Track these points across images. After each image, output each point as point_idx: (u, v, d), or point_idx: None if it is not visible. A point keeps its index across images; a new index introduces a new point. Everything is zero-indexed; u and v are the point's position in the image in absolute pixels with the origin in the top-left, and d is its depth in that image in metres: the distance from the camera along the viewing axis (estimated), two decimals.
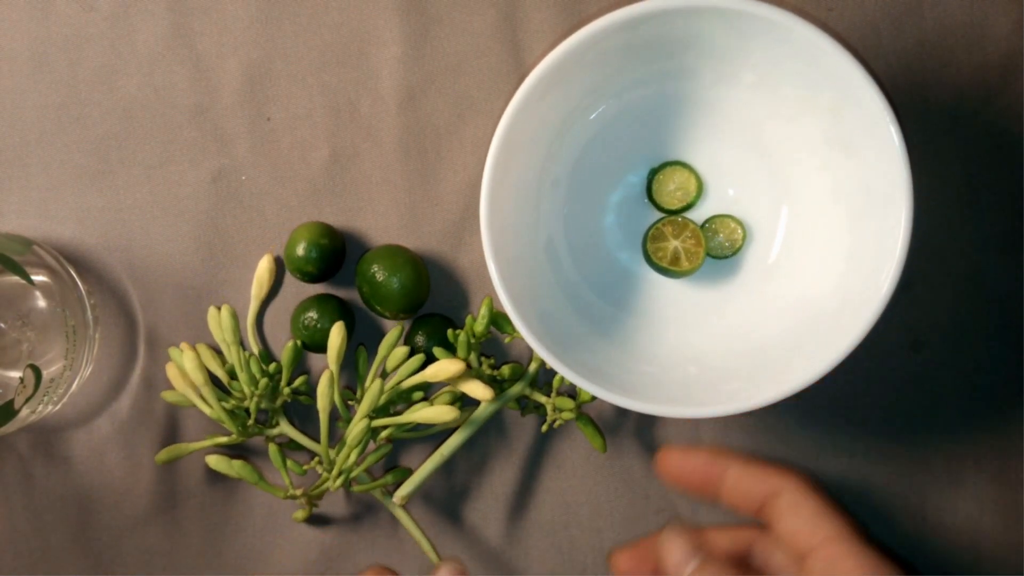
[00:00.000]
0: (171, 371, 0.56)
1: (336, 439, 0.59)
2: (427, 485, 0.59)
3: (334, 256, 0.57)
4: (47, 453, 0.59)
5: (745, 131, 0.55)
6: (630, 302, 0.57)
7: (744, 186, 0.56)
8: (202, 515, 0.59)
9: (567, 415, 0.56)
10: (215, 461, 0.56)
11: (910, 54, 0.58)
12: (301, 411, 0.59)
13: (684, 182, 0.56)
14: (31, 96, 0.58)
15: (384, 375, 0.57)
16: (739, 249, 0.56)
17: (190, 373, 0.56)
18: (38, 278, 0.55)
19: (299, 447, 0.58)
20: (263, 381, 0.56)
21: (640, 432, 0.59)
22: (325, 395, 0.55)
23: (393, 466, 0.59)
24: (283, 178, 0.58)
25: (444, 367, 0.54)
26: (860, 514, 0.60)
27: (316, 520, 0.60)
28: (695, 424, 0.59)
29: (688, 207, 0.56)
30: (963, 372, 0.59)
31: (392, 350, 0.56)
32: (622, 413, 0.59)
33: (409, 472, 0.57)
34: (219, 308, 0.58)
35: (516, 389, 0.56)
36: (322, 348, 0.57)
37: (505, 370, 0.56)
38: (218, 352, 0.58)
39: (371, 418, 0.55)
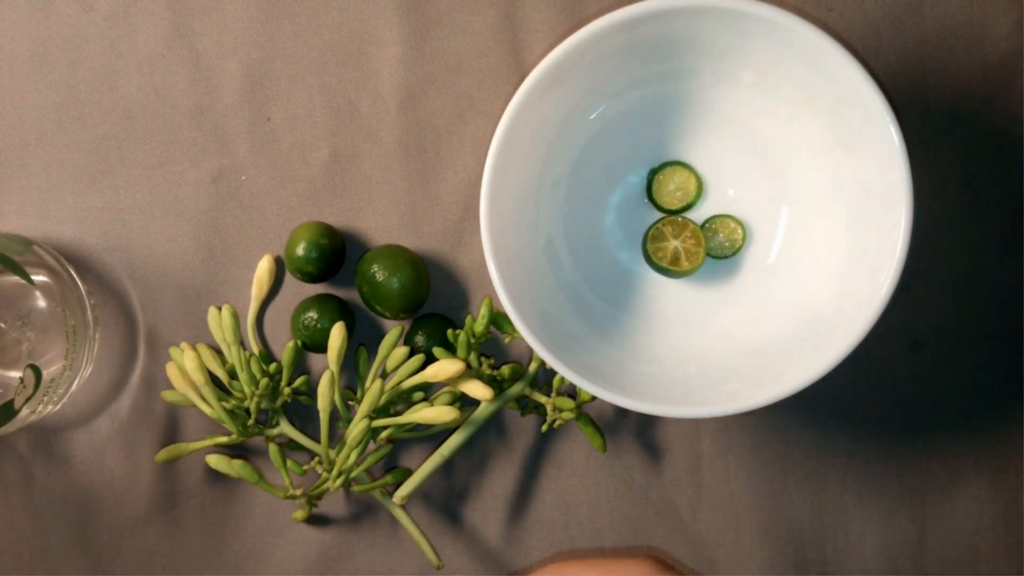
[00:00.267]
0: (171, 371, 0.56)
1: (336, 439, 0.59)
2: (427, 485, 0.59)
3: (334, 256, 0.57)
4: (47, 453, 0.59)
5: (745, 131, 0.55)
6: (630, 302, 0.57)
7: (744, 186, 0.56)
8: (202, 515, 0.59)
9: (567, 415, 0.56)
10: (215, 461, 0.56)
11: (910, 54, 0.58)
12: (301, 411, 0.59)
13: (684, 182, 0.56)
14: (31, 96, 0.58)
15: (384, 375, 0.57)
16: (739, 249, 0.56)
17: (191, 373, 0.56)
18: (38, 278, 0.55)
19: (299, 447, 0.58)
20: (263, 381, 0.56)
21: (640, 432, 0.59)
22: (325, 395, 0.55)
23: (393, 466, 0.59)
24: (283, 178, 0.58)
25: (444, 367, 0.54)
26: (860, 514, 0.60)
27: (316, 520, 0.60)
28: (695, 424, 0.59)
29: (688, 207, 0.56)
30: (963, 372, 0.59)
31: (392, 350, 0.56)
32: (622, 413, 0.59)
33: (409, 472, 0.57)
34: (219, 308, 0.58)
35: (516, 389, 0.56)
36: (322, 348, 0.57)
37: (505, 370, 0.56)
38: (218, 352, 0.58)
39: (371, 418, 0.55)
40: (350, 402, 0.57)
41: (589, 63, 0.51)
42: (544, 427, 0.56)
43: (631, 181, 0.57)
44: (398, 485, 0.56)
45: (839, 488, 0.60)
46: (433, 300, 0.59)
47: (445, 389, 0.56)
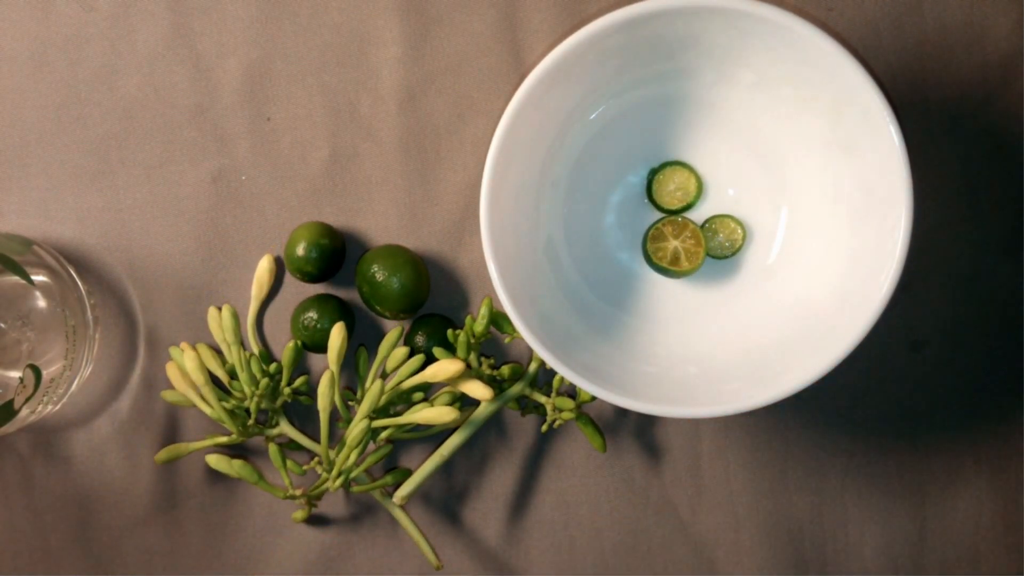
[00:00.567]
0: (171, 371, 0.56)
1: (336, 439, 0.59)
2: (427, 485, 0.59)
3: (334, 256, 0.57)
4: (47, 453, 0.59)
5: (745, 131, 0.55)
6: (630, 302, 0.57)
7: (744, 186, 0.56)
8: (202, 515, 0.59)
9: (567, 415, 0.56)
10: (215, 461, 0.56)
11: (910, 54, 0.58)
12: (301, 411, 0.59)
13: (684, 182, 0.56)
14: (31, 96, 0.58)
15: (384, 375, 0.57)
16: (739, 249, 0.56)
17: (191, 373, 0.56)
18: (38, 278, 0.55)
19: (299, 447, 0.58)
20: (264, 381, 0.56)
21: (640, 432, 0.59)
22: (325, 395, 0.55)
23: (393, 467, 0.59)
24: (283, 178, 0.58)
25: (444, 367, 0.54)
26: (860, 514, 0.60)
27: (316, 520, 0.60)
28: (695, 424, 0.59)
29: (688, 207, 0.56)
30: (963, 372, 0.59)
31: (392, 350, 0.56)
32: (622, 413, 0.59)
33: (409, 473, 0.57)
34: (219, 308, 0.58)
35: (516, 389, 0.56)
36: (322, 348, 0.57)
37: (505, 370, 0.56)
38: (218, 352, 0.58)
39: (371, 419, 0.55)
40: (350, 402, 0.57)
41: (589, 63, 0.51)
42: (544, 427, 0.56)
43: (631, 181, 0.57)
44: (398, 485, 0.56)
45: (839, 488, 0.60)
46: (433, 300, 0.59)
47: (445, 389, 0.56)
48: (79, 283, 0.57)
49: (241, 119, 0.58)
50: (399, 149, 0.58)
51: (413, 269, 0.56)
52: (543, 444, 0.59)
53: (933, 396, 0.59)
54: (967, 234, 0.59)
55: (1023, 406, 0.59)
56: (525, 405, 0.58)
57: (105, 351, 0.59)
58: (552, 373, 0.58)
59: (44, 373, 0.54)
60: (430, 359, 0.56)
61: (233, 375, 0.57)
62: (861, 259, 0.51)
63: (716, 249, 0.56)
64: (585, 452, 0.59)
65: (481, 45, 0.58)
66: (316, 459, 0.56)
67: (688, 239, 0.55)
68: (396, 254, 0.57)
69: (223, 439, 0.57)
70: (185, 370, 0.56)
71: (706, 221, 0.56)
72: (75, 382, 0.57)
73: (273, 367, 0.57)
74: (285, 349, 0.57)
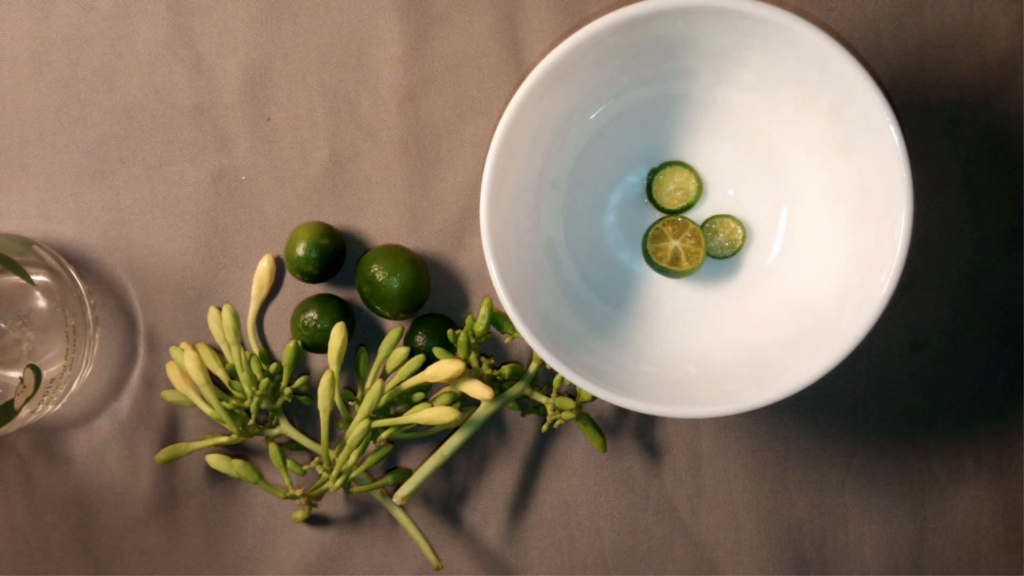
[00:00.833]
0: (171, 371, 0.56)
1: (336, 440, 0.59)
2: (427, 485, 0.59)
3: (334, 256, 0.57)
4: (47, 453, 0.59)
5: (745, 131, 0.55)
6: (630, 302, 0.57)
7: (744, 186, 0.56)
8: (202, 515, 0.59)
9: (567, 415, 0.56)
10: (215, 461, 0.56)
11: (910, 54, 0.58)
12: (301, 411, 0.59)
13: (684, 182, 0.56)
14: (31, 96, 0.58)
15: (384, 376, 0.57)
16: (739, 249, 0.56)
17: (191, 373, 0.56)
18: (38, 278, 0.55)
19: (299, 447, 0.58)
20: (264, 381, 0.56)
21: (640, 432, 0.59)
22: (326, 395, 0.55)
23: (393, 467, 0.59)
24: (283, 178, 0.58)
25: (444, 367, 0.54)
26: (860, 514, 0.60)
27: (316, 520, 0.60)
28: (695, 424, 0.59)
29: (688, 207, 0.56)
30: (963, 372, 0.59)
31: (392, 351, 0.56)
32: (622, 413, 0.59)
33: (409, 473, 0.57)
34: (219, 308, 0.58)
35: (516, 389, 0.56)
36: (322, 348, 0.57)
37: (505, 370, 0.56)
38: (218, 352, 0.58)
39: (371, 419, 0.55)
40: (350, 402, 0.57)
41: (589, 63, 0.51)
42: (544, 427, 0.56)
43: (631, 181, 0.57)
44: (398, 485, 0.56)
45: (839, 488, 0.60)
46: (433, 300, 0.59)
47: (445, 389, 0.56)
48: (79, 283, 0.57)
49: (241, 119, 0.58)
50: (399, 149, 0.58)
51: (413, 269, 0.56)
52: (543, 444, 0.59)
53: (933, 396, 0.59)
54: (967, 234, 0.59)
55: (1023, 406, 0.59)
56: (525, 405, 0.58)
57: (105, 351, 0.59)
58: (552, 373, 0.58)
59: (44, 373, 0.54)
60: (430, 359, 0.56)
61: (233, 375, 0.57)
62: (861, 259, 0.51)
63: (716, 249, 0.56)
64: (585, 452, 0.59)
65: (481, 45, 0.58)
66: (316, 459, 0.56)
67: (688, 239, 0.55)
68: (396, 254, 0.57)
69: (223, 439, 0.57)
70: (185, 370, 0.56)
71: (706, 221, 0.56)
72: (75, 382, 0.57)
73: (273, 367, 0.57)
74: (285, 349, 0.57)
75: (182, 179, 0.58)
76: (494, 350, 0.59)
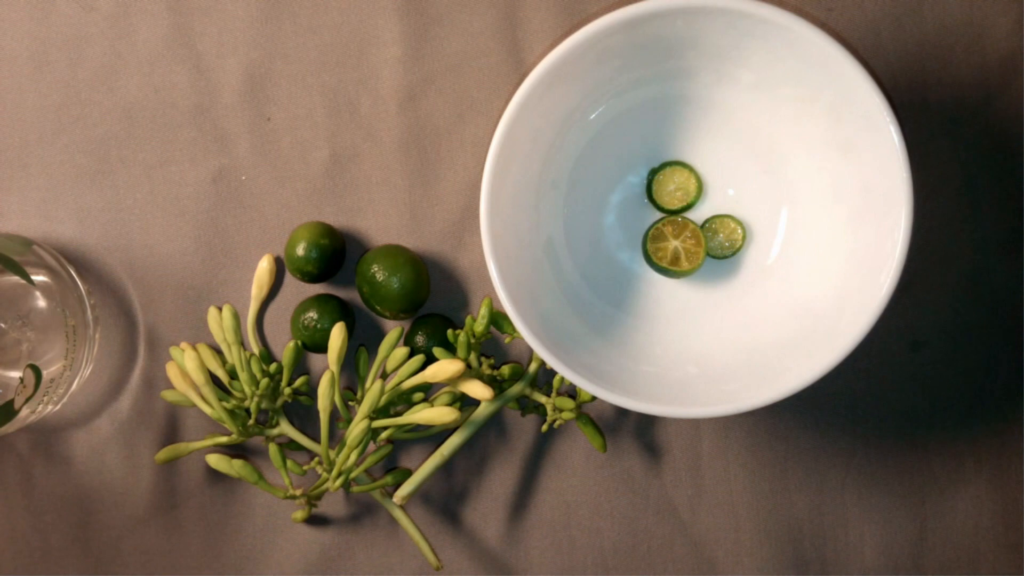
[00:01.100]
0: (171, 371, 0.56)
1: (336, 440, 0.59)
2: (427, 485, 0.59)
3: (334, 256, 0.57)
4: (47, 453, 0.59)
5: (745, 131, 0.55)
6: (630, 302, 0.57)
7: (744, 186, 0.56)
8: (202, 515, 0.59)
9: (567, 415, 0.56)
10: (215, 460, 0.56)
11: (910, 54, 0.58)
12: (301, 411, 0.59)
13: (684, 182, 0.56)
14: (31, 96, 0.58)
15: (384, 376, 0.57)
16: (739, 249, 0.56)
17: (191, 373, 0.56)
18: (38, 278, 0.55)
19: (299, 447, 0.58)
20: (264, 381, 0.56)
21: (640, 432, 0.59)
22: (326, 395, 0.55)
23: (393, 467, 0.59)
24: (283, 178, 0.58)
25: (444, 367, 0.54)
26: (860, 514, 0.60)
27: (316, 520, 0.60)
28: (695, 424, 0.59)
29: (688, 207, 0.56)
30: (963, 372, 0.59)
31: (392, 351, 0.56)
32: (622, 413, 0.59)
33: (409, 473, 0.57)
34: (219, 308, 0.58)
35: (516, 389, 0.56)
36: (322, 348, 0.57)
37: (505, 370, 0.56)
38: (218, 352, 0.58)
39: (371, 419, 0.55)
40: (350, 402, 0.57)
41: (589, 63, 0.51)
42: (544, 427, 0.56)
43: (631, 181, 0.57)
44: (398, 485, 0.56)
45: (839, 488, 0.60)
46: (433, 300, 0.59)
47: (445, 389, 0.56)
48: (79, 283, 0.57)
49: (241, 119, 0.58)
50: (399, 149, 0.58)
51: (413, 269, 0.56)
52: (543, 444, 0.59)
53: (933, 396, 0.59)
54: (967, 234, 0.59)
55: (1023, 406, 0.59)
56: (525, 405, 0.58)
57: (105, 351, 0.59)
58: (552, 373, 0.58)
59: (44, 373, 0.54)
60: (430, 359, 0.56)
61: (233, 375, 0.57)
62: (861, 259, 0.51)
63: (716, 249, 0.56)
64: (585, 452, 0.59)
65: (481, 45, 0.58)
66: (316, 459, 0.56)
67: (688, 239, 0.55)
68: (396, 254, 0.57)
69: (223, 439, 0.57)
70: (185, 370, 0.56)
71: (706, 221, 0.56)
72: (75, 382, 0.57)
73: (273, 367, 0.57)
74: (285, 349, 0.57)
75: (182, 179, 0.58)
76: (494, 350, 0.59)
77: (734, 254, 0.56)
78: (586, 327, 0.55)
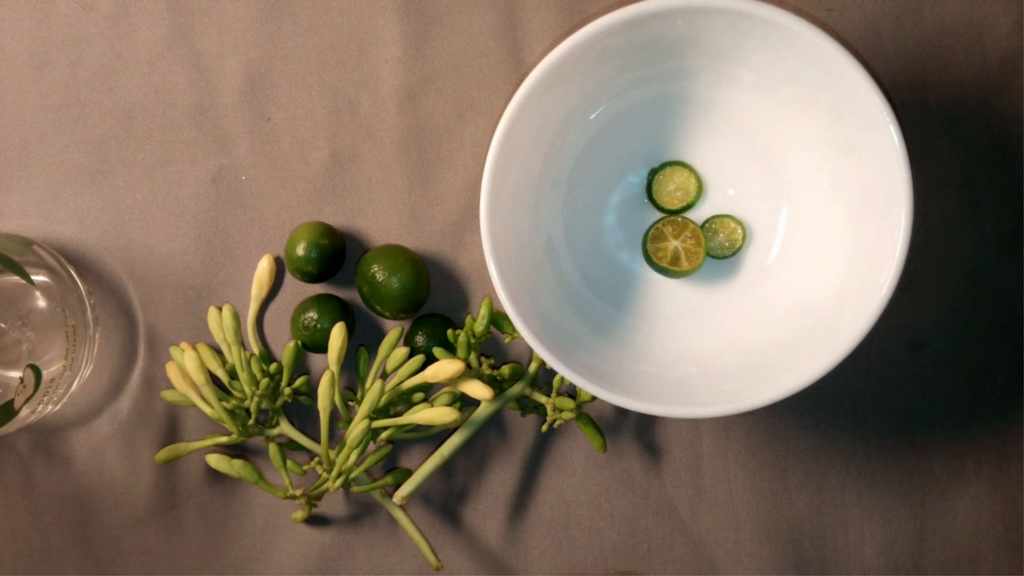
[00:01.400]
0: (171, 371, 0.56)
1: (336, 440, 0.59)
2: (427, 485, 0.59)
3: (334, 256, 0.57)
4: (47, 453, 0.59)
5: (745, 131, 0.55)
6: (630, 302, 0.57)
7: (744, 186, 0.56)
8: (202, 515, 0.59)
9: (567, 415, 0.56)
10: (215, 460, 0.56)
11: (910, 54, 0.58)
12: (301, 411, 0.59)
13: (684, 182, 0.56)
14: (31, 96, 0.58)
15: (384, 376, 0.57)
16: (739, 249, 0.56)
17: (191, 373, 0.56)
18: (38, 278, 0.55)
19: (299, 447, 0.58)
20: (264, 381, 0.56)
21: (640, 432, 0.59)
22: (326, 395, 0.55)
23: (393, 467, 0.59)
24: (283, 178, 0.58)
25: (444, 367, 0.54)
26: (860, 514, 0.60)
27: (316, 520, 0.60)
28: (695, 424, 0.59)
29: (688, 207, 0.56)
30: (963, 372, 0.59)
31: (392, 351, 0.56)
32: (622, 413, 0.59)
33: (409, 473, 0.57)
34: (219, 308, 0.58)
35: (516, 389, 0.56)
36: (322, 348, 0.57)
37: (505, 370, 0.56)
38: (218, 352, 0.58)
39: (371, 419, 0.55)
40: (350, 402, 0.57)
41: (589, 63, 0.51)
42: (544, 427, 0.56)
43: (631, 181, 0.57)
44: (398, 485, 0.56)
45: (839, 488, 0.60)
46: (433, 300, 0.59)
47: (445, 389, 0.56)
48: (79, 283, 0.57)
49: (241, 119, 0.58)
50: (399, 149, 0.58)
51: (413, 269, 0.56)
52: (543, 444, 0.59)
53: (933, 396, 0.59)
54: (967, 234, 0.59)
55: (1023, 406, 0.59)
56: (525, 405, 0.58)
57: (105, 351, 0.59)
58: (552, 373, 0.58)
59: (44, 373, 0.54)
60: (430, 359, 0.56)
61: (233, 375, 0.57)
62: (861, 259, 0.51)
63: (716, 249, 0.56)
64: (585, 452, 0.59)
65: (481, 45, 0.58)
66: (316, 459, 0.56)
67: (688, 239, 0.55)
68: (396, 254, 0.57)
69: (223, 439, 0.57)
70: (185, 370, 0.56)
71: (706, 221, 0.56)
72: (75, 382, 0.57)
73: (273, 367, 0.57)
74: (285, 349, 0.57)
75: (182, 179, 0.58)
76: (494, 350, 0.59)
77: (734, 254, 0.56)
78: (586, 327, 0.55)
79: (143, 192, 0.58)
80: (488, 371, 0.56)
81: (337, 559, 0.60)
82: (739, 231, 0.56)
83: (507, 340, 0.58)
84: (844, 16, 0.57)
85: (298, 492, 0.56)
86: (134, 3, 0.58)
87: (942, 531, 0.60)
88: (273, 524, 0.59)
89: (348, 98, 0.58)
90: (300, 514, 0.57)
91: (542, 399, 0.56)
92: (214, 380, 0.58)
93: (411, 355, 0.56)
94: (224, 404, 0.56)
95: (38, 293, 0.55)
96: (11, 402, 0.52)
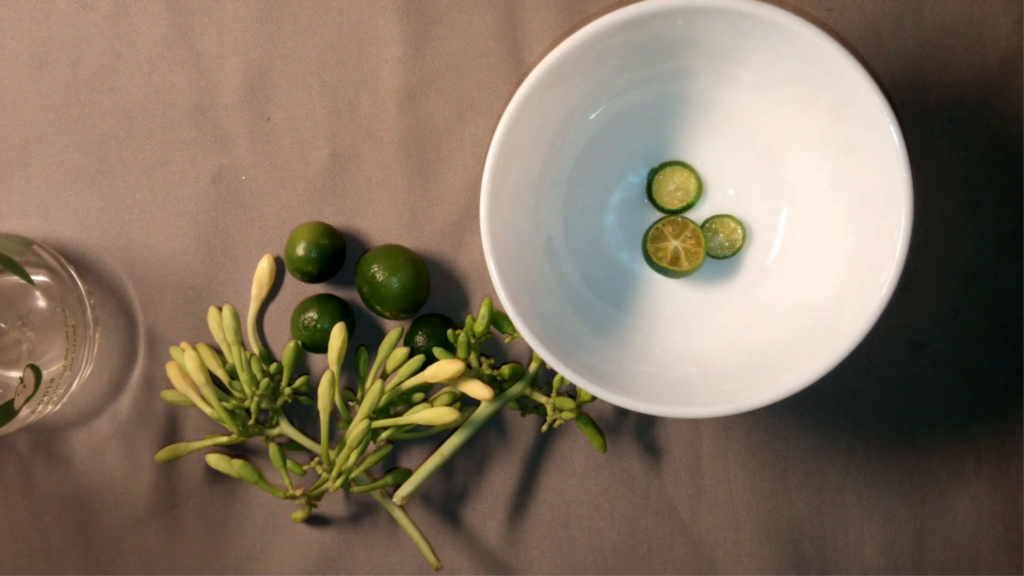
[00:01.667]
0: (171, 371, 0.56)
1: (336, 440, 0.59)
2: (427, 486, 0.59)
3: (334, 256, 0.57)
4: (47, 453, 0.59)
5: (745, 131, 0.55)
6: (630, 302, 0.57)
7: (744, 186, 0.56)
8: (202, 515, 0.59)
9: (567, 415, 0.56)
10: (215, 460, 0.56)
11: (910, 54, 0.58)
12: (301, 411, 0.59)
13: (684, 182, 0.56)
14: (31, 96, 0.58)
15: (384, 376, 0.57)
16: (739, 249, 0.56)
17: (191, 373, 0.56)
18: (38, 278, 0.55)
19: (299, 447, 0.58)
20: (264, 381, 0.56)
21: (640, 432, 0.59)
22: (326, 395, 0.55)
23: (393, 467, 0.59)
24: (283, 178, 0.58)
25: (444, 367, 0.54)
26: (860, 514, 0.60)
27: (316, 520, 0.60)
28: (695, 424, 0.59)
29: (688, 207, 0.56)
30: (963, 372, 0.59)
31: (392, 351, 0.56)
32: (622, 413, 0.59)
33: (409, 473, 0.57)
34: (219, 308, 0.58)
35: (516, 389, 0.56)
36: (322, 348, 0.57)
37: (505, 370, 0.56)
38: (218, 352, 0.58)
39: (371, 419, 0.55)
40: (350, 403, 0.57)
41: (589, 63, 0.51)
42: (544, 427, 0.56)
43: (631, 181, 0.57)
44: (398, 485, 0.56)
45: (839, 488, 0.60)
46: (433, 300, 0.59)
47: (445, 389, 0.56)
48: (79, 283, 0.57)
49: (241, 119, 0.58)
50: (399, 149, 0.58)
51: (413, 269, 0.56)
52: (543, 444, 0.59)
53: (933, 396, 0.59)
54: (967, 234, 0.59)
55: (1023, 406, 0.59)
56: (525, 405, 0.58)
57: (105, 351, 0.59)
58: (552, 373, 0.58)
59: (44, 373, 0.54)
60: (430, 359, 0.56)
61: (233, 375, 0.57)
62: (861, 259, 0.51)
63: (716, 249, 0.56)
64: (585, 452, 0.59)
65: (481, 45, 0.58)
66: (316, 459, 0.56)
67: (688, 239, 0.55)
68: (396, 254, 0.57)
69: (223, 439, 0.57)
70: (185, 370, 0.56)
71: (706, 221, 0.56)
72: (75, 382, 0.57)
73: (273, 367, 0.57)
74: (285, 349, 0.57)
75: (182, 179, 0.58)
76: (494, 350, 0.59)
77: (734, 254, 0.56)
78: (586, 327, 0.55)
79: (143, 192, 0.58)
80: (488, 371, 0.56)
81: (337, 559, 0.60)
82: (739, 231, 0.56)
83: (507, 340, 0.58)
84: (844, 16, 0.57)
85: (298, 492, 0.56)
86: (134, 3, 0.58)
87: (942, 531, 0.60)
88: (273, 524, 0.59)
89: (348, 98, 0.58)
90: (300, 514, 0.57)
91: (542, 399, 0.56)
92: (214, 380, 0.58)
93: (411, 355, 0.56)
94: (224, 404, 0.56)
95: (38, 293, 0.55)
96: (11, 402, 0.52)
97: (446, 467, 0.60)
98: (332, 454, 0.56)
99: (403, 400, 0.56)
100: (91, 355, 0.57)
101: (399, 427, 0.56)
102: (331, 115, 0.58)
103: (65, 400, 0.57)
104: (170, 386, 0.58)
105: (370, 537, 0.60)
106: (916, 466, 0.59)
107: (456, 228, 0.58)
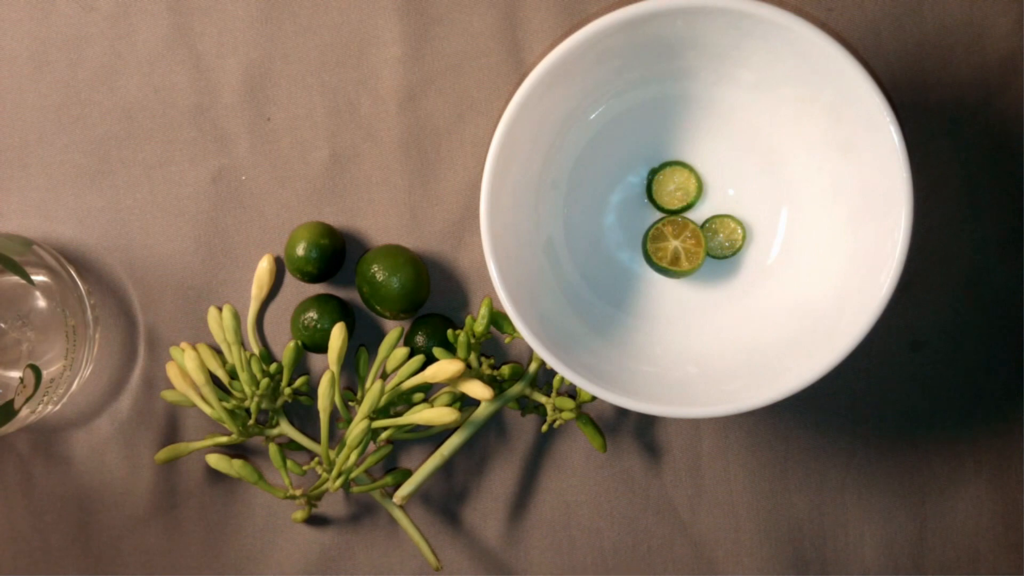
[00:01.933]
0: (171, 371, 0.56)
1: (336, 440, 0.59)
2: (427, 485, 0.59)
3: (334, 256, 0.57)
4: (47, 453, 0.59)
5: (745, 131, 0.55)
6: (630, 302, 0.57)
7: (744, 186, 0.56)
8: (202, 515, 0.59)
9: (567, 415, 0.56)
10: (215, 460, 0.56)
11: (910, 54, 0.58)
12: (301, 411, 0.59)
13: (684, 182, 0.56)
14: (31, 96, 0.58)
15: (384, 376, 0.57)
16: (739, 249, 0.56)
17: (191, 372, 0.56)
18: (38, 278, 0.55)
19: (299, 447, 0.58)
20: (264, 381, 0.56)
21: (640, 432, 0.59)
22: (326, 396, 0.55)
23: (393, 467, 0.59)
24: (283, 178, 0.58)
25: (444, 367, 0.54)
26: (860, 514, 0.60)
27: (316, 520, 0.60)
28: (695, 424, 0.59)
29: (688, 207, 0.56)
30: (963, 372, 0.59)
31: (392, 351, 0.56)
32: (622, 413, 0.59)
33: (409, 473, 0.57)
34: (219, 308, 0.58)
35: (516, 389, 0.56)
36: (322, 348, 0.57)
37: (505, 370, 0.56)
38: (218, 352, 0.58)
39: (371, 419, 0.55)
40: (350, 403, 0.57)
41: (589, 63, 0.51)
42: (544, 427, 0.56)
43: (631, 181, 0.57)
44: (398, 486, 0.56)
45: (839, 488, 0.60)
46: (433, 300, 0.59)
47: (445, 389, 0.56)
48: (79, 283, 0.57)
49: (241, 119, 0.58)
50: (399, 149, 0.58)
51: (413, 269, 0.56)
52: (543, 444, 0.59)
53: (933, 396, 0.59)
54: (967, 234, 0.59)
55: (1023, 406, 0.59)
56: (525, 405, 0.58)
57: (105, 351, 0.59)
58: (552, 373, 0.58)
59: (44, 373, 0.54)
60: (430, 359, 0.56)
61: (233, 375, 0.57)
62: (861, 259, 0.51)
63: (716, 249, 0.56)
64: (585, 452, 0.59)
65: (481, 45, 0.58)
66: (316, 459, 0.56)
67: (688, 239, 0.55)
68: (396, 254, 0.57)
69: (223, 439, 0.57)
70: (185, 370, 0.56)
71: (706, 221, 0.56)
72: (75, 382, 0.57)
73: (273, 367, 0.57)
74: (286, 349, 0.57)
75: (182, 179, 0.58)
76: (494, 350, 0.59)
77: (734, 254, 0.56)
78: (586, 327, 0.55)
79: (143, 192, 0.58)
80: (488, 371, 0.56)
81: (337, 559, 0.60)
82: (739, 231, 0.56)
83: (507, 340, 0.58)
84: (844, 16, 0.57)
85: (298, 492, 0.56)
86: (134, 3, 0.58)
87: (942, 531, 0.60)
88: (273, 524, 0.59)
89: (348, 98, 0.58)
90: (300, 514, 0.57)
91: (542, 399, 0.56)
92: (214, 380, 0.58)
93: (411, 355, 0.56)
94: (224, 404, 0.56)
95: (38, 293, 0.55)
96: (11, 402, 0.52)
97: (446, 467, 0.60)
98: (332, 454, 0.56)
99: (403, 400, 0.56)
100: (91, 355, 0.57)
101: (399, 427, 0.56)
102: (331, 115, 0.58)
103: (65, 400, 0.57)
104: (170, 386, 0.58)
105: (370, 537, 0.60)
106: (916, 466, 0.59)
107: (456, 228, 0.58)
